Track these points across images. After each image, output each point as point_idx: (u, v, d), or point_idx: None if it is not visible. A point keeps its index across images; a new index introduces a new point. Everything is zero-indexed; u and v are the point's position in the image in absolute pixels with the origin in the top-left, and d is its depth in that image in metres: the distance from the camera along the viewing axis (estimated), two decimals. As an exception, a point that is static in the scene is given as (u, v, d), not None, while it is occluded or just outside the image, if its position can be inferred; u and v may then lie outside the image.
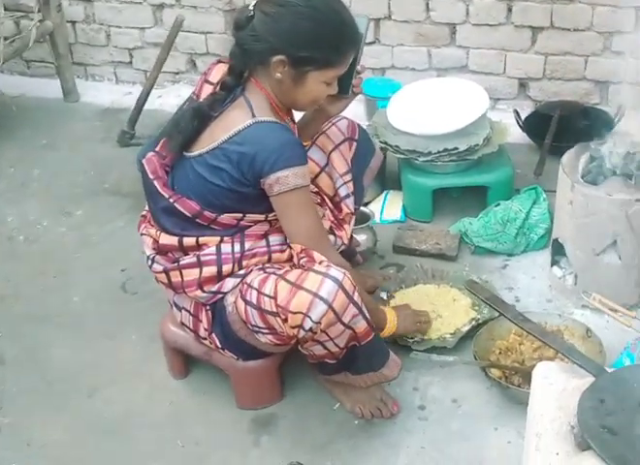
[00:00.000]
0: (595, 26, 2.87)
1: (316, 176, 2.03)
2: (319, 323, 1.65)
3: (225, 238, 1.78)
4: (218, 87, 1.78)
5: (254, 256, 1.79)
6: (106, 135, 3.17)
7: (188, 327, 1.91)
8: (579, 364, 1.51)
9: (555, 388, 1.51)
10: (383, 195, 2.66)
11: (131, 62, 3.49)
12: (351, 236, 2.12)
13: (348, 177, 2.03)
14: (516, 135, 2.83)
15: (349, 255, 2.06)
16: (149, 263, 1.86)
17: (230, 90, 1.76)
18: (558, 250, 2.23)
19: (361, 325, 1.73)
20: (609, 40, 2.88)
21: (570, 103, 2.95)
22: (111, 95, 3.47)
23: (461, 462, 1.80)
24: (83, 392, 2.05)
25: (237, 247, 1.78)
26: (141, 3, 3.33)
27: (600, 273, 2.11)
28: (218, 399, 2.00)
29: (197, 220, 1.77)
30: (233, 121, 1.72)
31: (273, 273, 1.73)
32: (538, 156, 2.71)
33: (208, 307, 1.83)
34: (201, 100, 1.79)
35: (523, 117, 2.93)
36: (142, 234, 1.89)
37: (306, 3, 1.68)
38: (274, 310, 1.67)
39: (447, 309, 2.18)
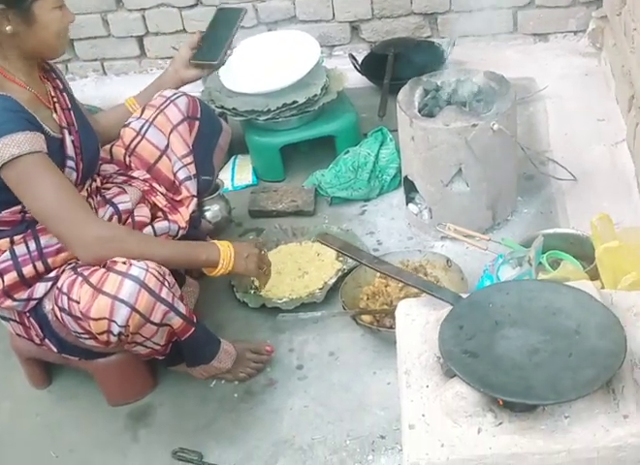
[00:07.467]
0: (414, -41, 2.87)
1: (157, 161, 1.90)
2: (127, 326, 1.56)
3: (16, 238, 1.65)
4: None
5: (59, 252, 1.67)
6: None
7: (23, 337, 1.78)
8: (436, 296, 1.51)
9: (418, 323, 1.51)
10: (231, 161, 2.58)
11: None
12: (200, 220, 2.05)
13: (189, 159, 1.89)
14: (355, 79, 2.80)
15: (198, 238, 1.93)
16: None
17: None
18: (410, 187, 2.24)
19: (176, 321, 1.66)
20: (430, -28, 2.89)
21: (404, 40, 2.96)
22: None
23: (344, 413, 1.79)
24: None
25: (31, 245, 1.65)
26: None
27: (452, 203, 2.13)
28: (88, 401, 1.90)
29: None
30: None
31: (81, 274, 1.60)
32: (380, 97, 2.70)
33: (28, 314, 1.71)
34: None
35: (359, 60, 2.91)
36: None
37: None
38: (80, 316, 1.57)
39: (312, 265, 2.16)
